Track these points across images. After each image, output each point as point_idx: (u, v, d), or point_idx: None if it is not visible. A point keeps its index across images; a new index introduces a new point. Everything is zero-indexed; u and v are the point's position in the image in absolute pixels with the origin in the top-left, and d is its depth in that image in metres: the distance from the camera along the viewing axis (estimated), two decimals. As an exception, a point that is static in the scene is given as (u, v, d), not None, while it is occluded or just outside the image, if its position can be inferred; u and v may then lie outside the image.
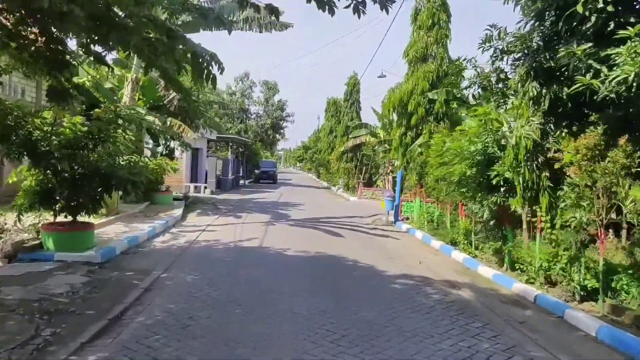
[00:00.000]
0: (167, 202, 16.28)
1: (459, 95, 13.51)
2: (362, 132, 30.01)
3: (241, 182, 34.84)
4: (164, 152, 17.97)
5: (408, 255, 10.11)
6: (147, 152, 17.87)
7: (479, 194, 8.41)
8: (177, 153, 22.98)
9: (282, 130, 36.91)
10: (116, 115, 8.20)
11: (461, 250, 10.15)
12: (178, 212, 14.51)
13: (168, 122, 14.87)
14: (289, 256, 9.17)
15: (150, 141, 17.73)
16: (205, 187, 23.82)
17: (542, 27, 7.51)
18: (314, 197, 25.82)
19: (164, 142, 17.94)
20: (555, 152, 7.17)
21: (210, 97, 16.64)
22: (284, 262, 8.71)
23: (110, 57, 11.21)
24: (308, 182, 45.14)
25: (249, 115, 36.34)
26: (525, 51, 7.54)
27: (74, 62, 5.94)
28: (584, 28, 6.50)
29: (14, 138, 7.39)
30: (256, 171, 39.63)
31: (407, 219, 15.75)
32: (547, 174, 7.28)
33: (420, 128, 13.70)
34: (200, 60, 5.23)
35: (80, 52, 5.95)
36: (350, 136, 30.60)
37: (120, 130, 8.58)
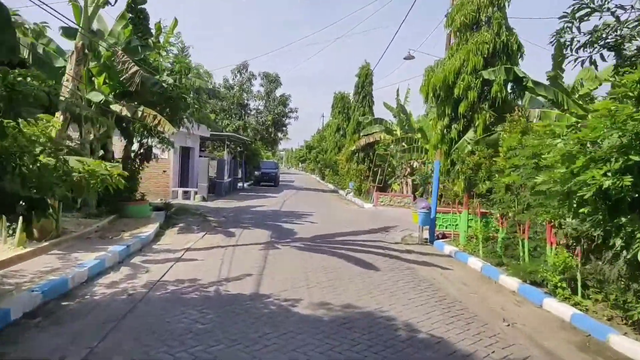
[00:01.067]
0: (141, 214, 12.87)
1: (522, 76, 10.08)
2: (376, 129, 26.56)
3: (239, 184, 31.43)
4: (139, 152, 14.55)
5: (478, 304, 6.68)
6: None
7: (623, 219, 4.97)
8: (159, 153, 19.62)
9: (284, 128, 33.48)
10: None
11: (558, 298, 6.73)
12: (151, 229, 11.09)
13: (140, 113, 11.45)
14: (299, 320, 5.71)
15: (123, 138, 14.31)
16: (196, 193, 20.39)
17: None
18: (322, 204, 22.37)
19: (139, 139, 14.52)
20: None
21: (196, 83, 13.21)
22: (292, 338, 5.22)
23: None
24: (312, 185, 41.70)
25: (248, 111, 32.89)
26: None
27: None
28: None
29: None
30: (256, 173, 36.19)
31: (444, 236, 12.36)
32: None
33: (471, 118, 10.27)
34: None
35: None
36: (361, 133, 27.16)
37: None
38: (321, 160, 42.73)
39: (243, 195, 25.71)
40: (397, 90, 24.49)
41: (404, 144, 24.70)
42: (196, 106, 14.97)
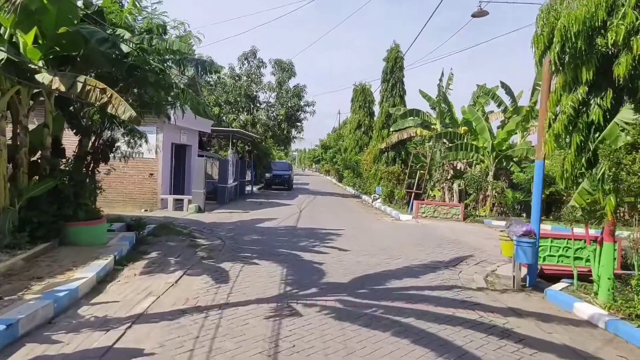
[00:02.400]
0: (92, 240, 8.65)
1: None
2: (409, 123, 22.16)
3: (248, 188, 27.23)
4: (97, 147, 10.35)
5: None
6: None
7: None
8: (145, 151, 15.59)
9: (299, 124, 29.14)
10: None
11: None
12: (95, 268, 6.87)
13: (80, 86, 7.22)
14: None
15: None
16: (190, 202, 16.17)
17: None
18: (348, 215, 18.01)
19: (97, 129, 10.32)
20: None
21: (176, 45, 8.97)
22: None
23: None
24: (329, 188, 37.35)
25: (258, 105, 28.61)
26: None
27: None
28: None
29: None
30: (267, 175, 31.98)
31: (544, 275, 8.07)
32: None
33: (635, 87, 5.85)
34: None
35: None
36: (391, 129, 22.77)
37: None
38: (339, 161, 38.36)
39: (250, 202, 21.45)
40: (442, 73, 19.92)
41: (444, 140, 20.28)
42: (181, 83, 10.74)
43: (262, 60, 27.80)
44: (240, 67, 28.03)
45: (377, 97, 28.37)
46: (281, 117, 27.78)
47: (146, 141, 11.30)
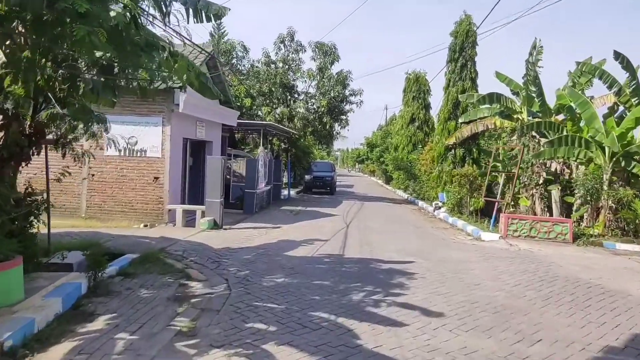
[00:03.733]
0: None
1: None
2: (485, 113, 17.55)
3: (284, 193, 23.38)
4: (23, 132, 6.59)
5: None
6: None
7: None
8: (147, 147, 12.32)
9: (343, 117, 24.96)
10: None
11: None
12: None
13: None
14: None
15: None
16: (204, 214, 12.38)
17: None
18: (410, 231, 13.70)
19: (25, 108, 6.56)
20: None
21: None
22: None
23: None
24: (376, 191, 32.98)
25: (296, 95, 24.67)
26: None
27: None
28: None
29: None
30: (307, 177, 28.07)
31: None
32: None
33: None
34: None
35: None
36: (461, 120, 18.21)
37: None
38: (388, 161, 33.92)
39: (285, 211, 17.51)
40: (533, 46, 15.31)
41: (533, 133, 15.58)
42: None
43: (301, 44, 23.82)
44: (277, 53, 24.21)
45: (434, 86, 23.86)
46: (323, 109, 23.68)
47: (106, 130, 7.48)
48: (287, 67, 23.94)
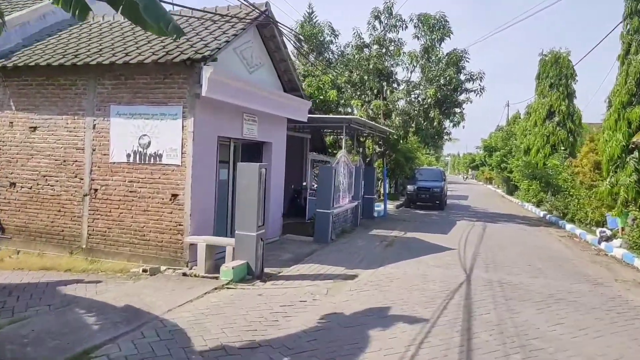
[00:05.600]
0: None
1: None
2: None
3: (378, 207, 18.33)
4: None
5: None
6: None
7: None
8: (163, 151, 8.09)
9: (457, 111, 19.10)
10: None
11: None
12: None
13: None
14: None
15: None
16: (234, 253, 7.91)
17: None
18: (578, 290, 7.90)
19: None
20: None
21: None
22: None
23: None
24: (498, 204, 26.33)
25: (394, 85, 19.52)
26: None
27: None
28: None
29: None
30: (409, 188, 22.71)
31: None
32: None
33: None
34: None
35: None
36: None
37: None
38: (514, 167, 27.00)
39: (372, 239, 12.52)
40: None
41: None
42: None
43: (401, 18, 18.61)
44: (371, 34, 19.33)
45: (579, 70, 17.10)
46: (429, 100, 18.19)
47: None
48: (383, 49, 18.94)
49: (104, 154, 8.89)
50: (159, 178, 8.59)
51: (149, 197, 8.64)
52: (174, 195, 8.48)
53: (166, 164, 8.53)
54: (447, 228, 15.34)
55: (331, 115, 15.74)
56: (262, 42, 10.74)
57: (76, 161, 9.10)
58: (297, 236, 12.10)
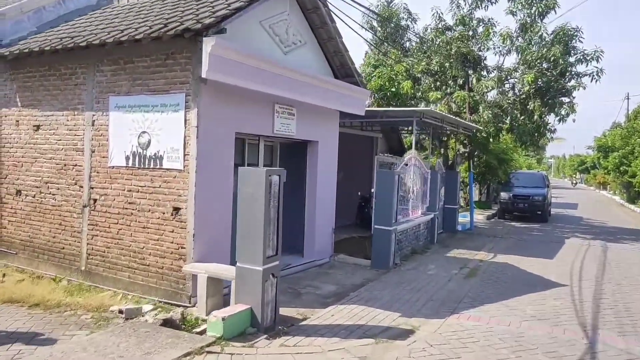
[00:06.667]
0: None
1: None
2: None
3: (462, 219, 15.22)
4: None
5: None
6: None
7: None
8: (163, 153, 5.78)
9: (565, 100, 15.21)
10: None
11: None
12: None
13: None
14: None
15: None
16: (238, 290, 5.73)
17: None
18: None
19: None
20: None
21: None
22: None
23: None
24: (617, 215, 21.52)
25: (482, 73, 16.19)
26: None
27: None
28: None
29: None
30: (503, 195, 19.14)
31: None
32: None
33: None
34: None
35: None
36: None
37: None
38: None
39: (447, 265, 9.66)
40: None
41: None
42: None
43: (494, -8, 15.33)
44: (454, 14, 16.28)
45: None
46: (528, 88, 14.67)
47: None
48: (469, 31, 15.80)
49: (103, 157, 7.27)
50: (160, 186, 6.73)
51: (149, 211, 6.81)
52: (176, 209, 6.56)
53: (167, 169, 6.65)
54: (552, 249, 11.92)
55: (396, 108, 13.08)
56: (302, 16, 8.53)
57: (76, 165, 7.61)
58: (352, 258, 9.72)
